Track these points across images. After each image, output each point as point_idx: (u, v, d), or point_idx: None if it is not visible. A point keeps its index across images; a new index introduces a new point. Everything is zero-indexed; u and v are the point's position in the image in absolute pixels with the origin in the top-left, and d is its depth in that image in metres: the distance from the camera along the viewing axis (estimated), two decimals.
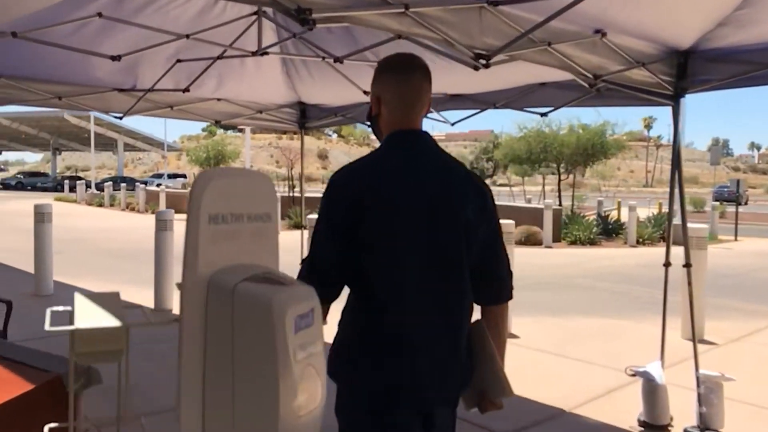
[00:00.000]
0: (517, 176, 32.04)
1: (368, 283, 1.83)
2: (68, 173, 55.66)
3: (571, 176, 21.93)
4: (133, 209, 26.89)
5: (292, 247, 8.85)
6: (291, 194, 21.35)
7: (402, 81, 1.94)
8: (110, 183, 33.74)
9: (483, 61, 2.87)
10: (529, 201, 24.89)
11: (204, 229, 1.50)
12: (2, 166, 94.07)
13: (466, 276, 1.90)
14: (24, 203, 29.35)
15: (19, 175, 55.54)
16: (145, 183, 37.78)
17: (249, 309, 1.45)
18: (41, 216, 8.21)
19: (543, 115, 5.06)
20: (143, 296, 7.77)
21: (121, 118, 5.48)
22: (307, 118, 6.71)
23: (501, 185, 54.27)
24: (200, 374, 1.54)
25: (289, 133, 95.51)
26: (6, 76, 4.68)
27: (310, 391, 1.49)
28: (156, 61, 4.85)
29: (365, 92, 5.12)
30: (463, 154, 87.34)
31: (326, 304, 1.80)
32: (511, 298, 2.02)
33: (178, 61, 4.81)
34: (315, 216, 2.88)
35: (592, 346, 6.29)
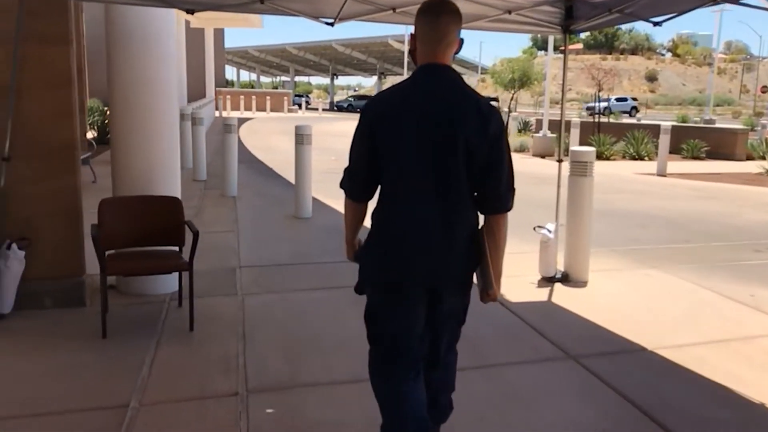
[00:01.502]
0: None
1: (382, 185, 2.38)
2: None
3: None
4: None
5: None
6: (596, 120, 19.05)
7: (429, 23, 2.32)
8: None
9: None
10: None
11: None
12: (355, 88, 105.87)
13: (459, 183, 2.30)
14: (346, 124, 31.92)
15: (350, 98, 61.20)
16: None
17: None
18: (300, 138, 8.00)
19: None
20: None
21: (332, 25, 4.63)
22: (573, 18, 5.09)
23: None
24: None
25: (616, 52, 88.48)
26: None
27: None
28: None
29: None
30: None
31: (362, 202, 2.49)
32: (507, 210, 2.39)
33: None
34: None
35: None
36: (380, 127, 2.29)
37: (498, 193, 2.34)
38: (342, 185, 2.49)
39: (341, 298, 4.93)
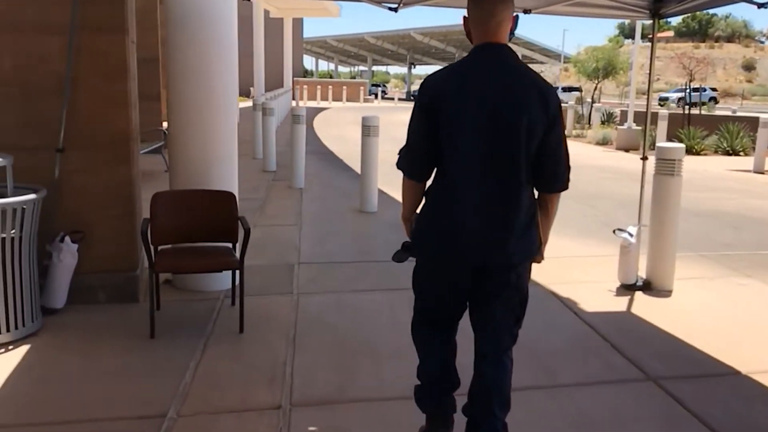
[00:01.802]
0: None
1: (440, 164, 2.37)
2: None
3: None
4: None
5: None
6: (686, 111, 17.91)
7: (477, 7, 2.32)
8: None
9: None
10: None
11: None
12: None
13: (520, 163, 2.28)
14: None
15: None
16: None
17: None
18: (367, 129, 7.76)
19: None
20: None
21: (395, 10, 4.34)
22: (663, 1, 4.58)
23: None
24: None
25: (710, 40, 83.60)
26: None
27: None
28: None
29: None
30: None
31: (419, 181, 2.46)
32: (563, 189, 2.43)
33: None
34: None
35: None
36: (438, 106, 2.29)
37: (558, 172, 2.38)
38: (399, 165, 2.49)
39: (401, 301, 4.62)
